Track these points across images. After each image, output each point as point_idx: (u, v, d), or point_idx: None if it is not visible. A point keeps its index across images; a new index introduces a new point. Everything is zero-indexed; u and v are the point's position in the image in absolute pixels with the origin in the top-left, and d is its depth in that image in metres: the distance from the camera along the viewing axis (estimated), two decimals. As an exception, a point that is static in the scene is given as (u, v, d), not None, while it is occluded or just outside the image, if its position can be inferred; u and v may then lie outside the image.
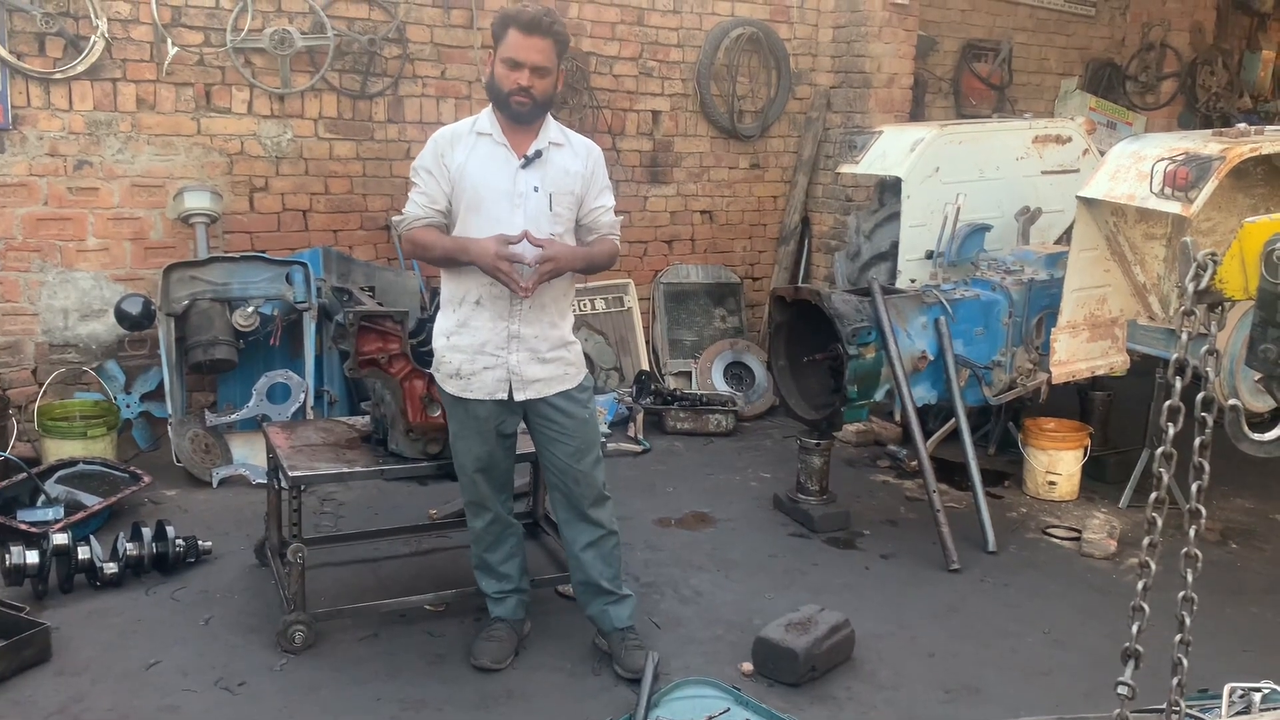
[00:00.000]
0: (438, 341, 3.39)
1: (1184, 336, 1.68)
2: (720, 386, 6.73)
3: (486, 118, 3.33)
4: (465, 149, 3.29)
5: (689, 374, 6.89)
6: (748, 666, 3.53)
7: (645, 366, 6.82)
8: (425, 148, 3.34)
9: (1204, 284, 1.66)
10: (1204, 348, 1.69)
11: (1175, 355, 1.66)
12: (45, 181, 5.19)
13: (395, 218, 3.67)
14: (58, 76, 5.11)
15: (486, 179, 3.26)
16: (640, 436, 6.02)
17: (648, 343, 6.97)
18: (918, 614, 4.02)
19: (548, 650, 3.64)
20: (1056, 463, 5.29)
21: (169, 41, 5.31)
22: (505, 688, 3.40)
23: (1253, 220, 1.67)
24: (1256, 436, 1.79)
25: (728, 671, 3.51)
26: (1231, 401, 1.76)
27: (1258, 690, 2.17)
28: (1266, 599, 4.27)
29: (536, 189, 3.27)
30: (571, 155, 3.36)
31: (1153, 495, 1.76)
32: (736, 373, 6.88)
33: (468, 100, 6.14)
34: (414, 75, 6.03)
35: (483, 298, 3.28)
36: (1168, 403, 1.70)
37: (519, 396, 3.33)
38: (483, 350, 3.30)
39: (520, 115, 3.25)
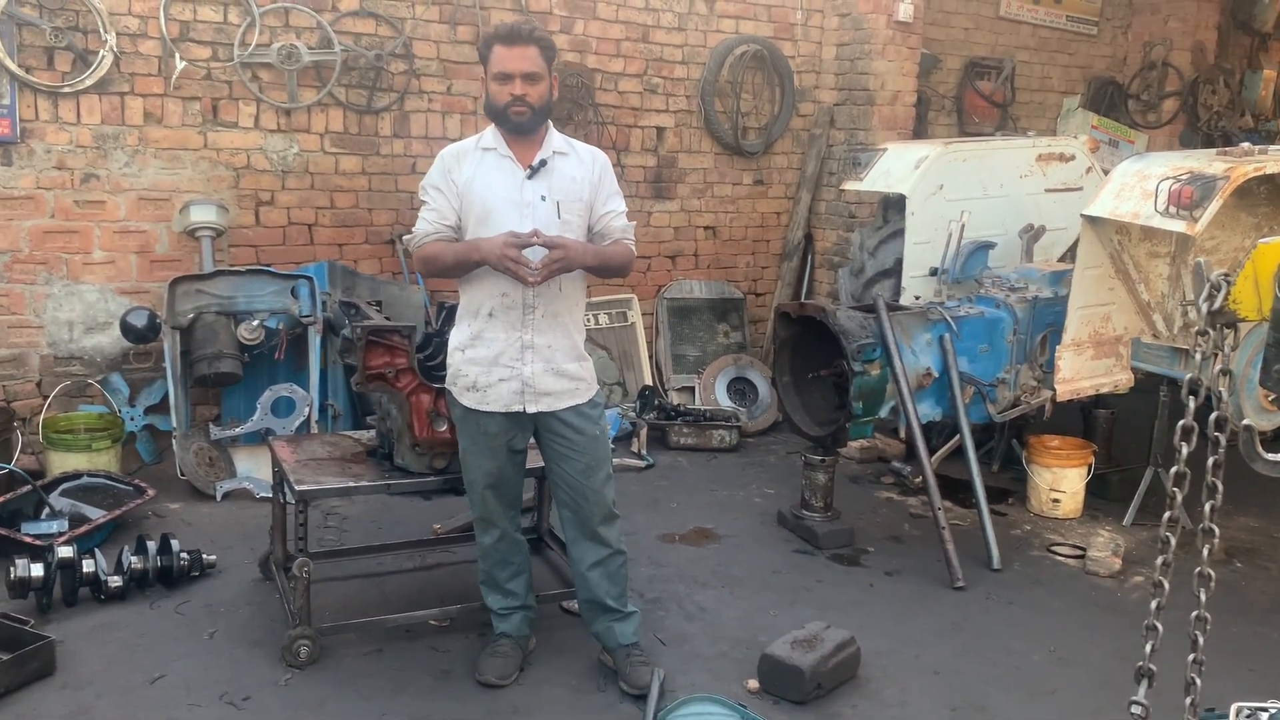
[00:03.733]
0: (453, 356, 3.39)
1: (1198, 356, 1.68)
2: (723, 402, 6.73)
3: (491, 134, 3.36)
4: (472, 164, 3.31)
5: (692, 389, 6.89)
6: (753, 684, 3.53)
7: (649, 381, 6.82)
8: (433, 166, 3.37)
9: (1218, 304, 1.66)
10: (1216, 367, 1.69)
11: (1189, 375, 1.66)
12: (52, 194, 5.20)
13: (406, 236, 3.67)
14: (66, 90, 5.13)
15: (493, 191, 3.28)
16: (643, 451, 6.01)
17: (651, 358, 6.98)
18: (923, 631, 4.01)
19: (553, 666, 3.63)
20: (1060, 480, 5.29)
21: (177, 56, 5.33)
22: (510, 704, 3.39)
23: (1266, 241, 1.67)
24: (1270, 456, 1.79)
25: (733, 689, 3.50)
26: (1245, 421, 1.77)
27: (1265, 710, 2.17)
28: (1272, 618, 4.26)
29: (544, 198, 3.28)
30: (577, 163, 3.37)
31: (1166, 514, 1.76)
32: (740, 388, 6.88)
33: (473, 116, 6.16)
34: (420, 91, 6.05)
35: (495, 309, 3.29)
36: (1181, 422, 1.70)
37: (531, 409, 3.33)
38: (498, 362, 3.30)
39: (521, 126, 3.27)
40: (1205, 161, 4.42)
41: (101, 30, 5.14)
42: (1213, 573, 1.80)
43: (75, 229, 5.28)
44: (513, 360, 3.30)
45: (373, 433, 3.99)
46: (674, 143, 7.00)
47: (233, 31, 5.46)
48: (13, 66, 4.97)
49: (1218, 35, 9.49)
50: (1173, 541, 1.76)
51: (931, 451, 4.94)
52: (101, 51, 5.16)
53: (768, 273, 7.59)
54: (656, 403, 6.47)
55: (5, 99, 5.01)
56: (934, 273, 5.60)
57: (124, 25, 5.25)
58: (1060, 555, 4.83)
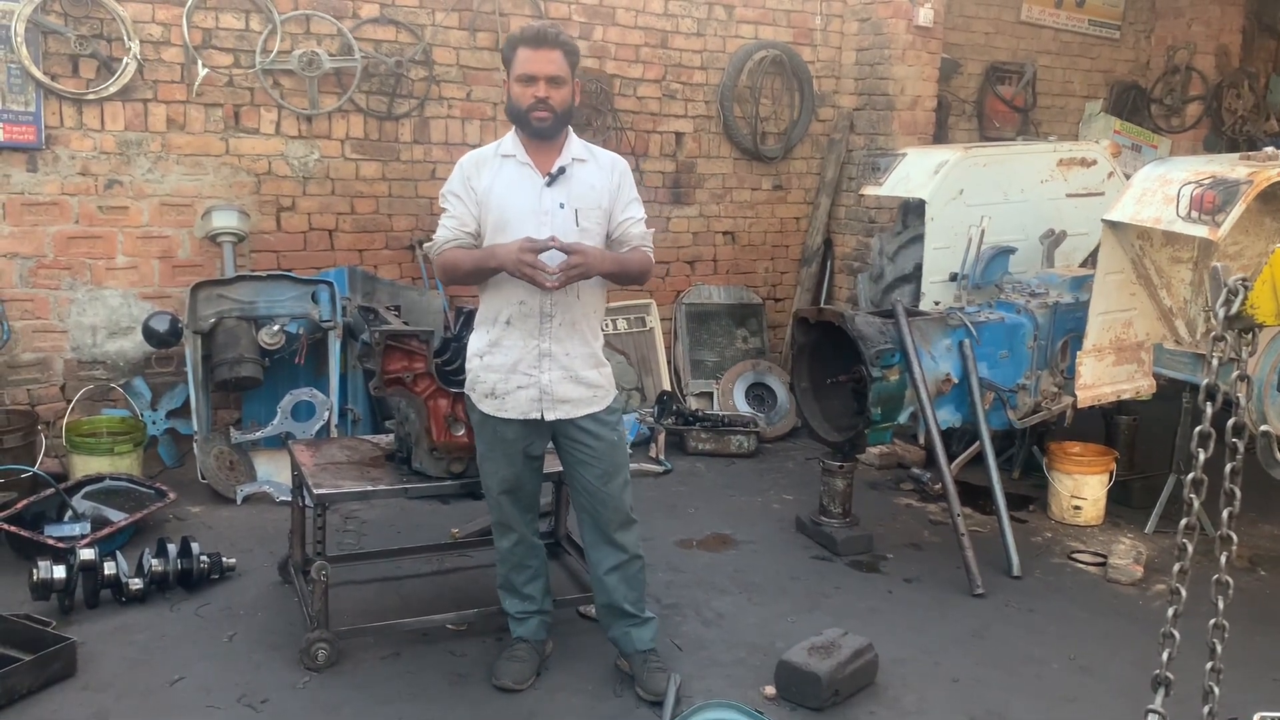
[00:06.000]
0: (471, 362, 3.40)
1: (1214, 362, 1.67)
2: (742, 407, 6.72)
3: (510, 140, 3.36)
4: (491, 172, 3.31)
5: (710, 395, 6.89)
6: (770, 690, 3.52)
7: (667, 387, 6.82)
8: (453, 173, 3.37)
9: (1235, 309, 1.65)
10: (1234, 373, 1.68)
11: (1206, 381, 1.64)
12: (76, 200, 5.26)
13: (427, 244, 3.69)
14: (90, 97, 5.19)
15: (512, 199, 3.28)
16: (662, 457, 6.01)
17: (669, 363, 6.97)
18: (941, 639, 3.99)
19: (569, 671, 3.63)
20: (1082, 487, 5.25)
21: (199, 63, 5.38)
22: (527, 708, 3.39)
23: (1284, 245, 1.66)
24: (1289, 463, 1.77)
25: (750, 695, 3.49)
26: (1263, 428, 1.75)
27: (1288, 720, 2.15)
28: (1296, 627, 4.21)
29: (562, 205, 3.28)
30: (596, 170, 3.36)
31: (1183, 521, 1.75)
32: (758, 394, 6.87)
33: (493, 121, 6.19)
34: (440, 97, 6.08)
35: (512, 317, 3.29)
36: (1198, 428, 1.68)
37: (549, 416, 3.33)
38: (515, 369, 3.30)
39: (542, 130, 3.26)
40: (1228, 166, 4.37)
41: (125, 38, 5.19)
42: (1231, 580, 1.79)
43: (99, 234, 5.34)
44: (530, 368, 3.31)
45: (391, 437, 4.00)
46: (693, 148, 7.00)
47: (254, 39, 5.51)
48: (38, 74, 5.03)
49: (1242, 39, 9.41)
50: (1190, 548, 1.75)
51: (951, 458, 4.91)
52: (125, 59, 5.21)
53: (786, 278, 7.58)
54: (675, 408, 6.47)
55: (31, 106, 5.07)
56: (954, 278, 5.57)
57: (147, 33, 5.30)
58: (1081, 563, 4.79)
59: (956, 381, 4.86)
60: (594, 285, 3.36)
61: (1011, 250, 5.57)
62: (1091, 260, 5.43)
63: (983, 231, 5.45)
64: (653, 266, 3.50)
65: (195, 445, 5.24)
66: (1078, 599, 4.41)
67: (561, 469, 3.57)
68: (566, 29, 6.23)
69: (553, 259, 3.14)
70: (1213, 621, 1.80)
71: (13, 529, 4.22)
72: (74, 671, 3.44)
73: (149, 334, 5.23)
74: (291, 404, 5.23)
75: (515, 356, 3.30)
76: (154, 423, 5.43)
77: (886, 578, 4.57)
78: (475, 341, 3.41)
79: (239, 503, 5.07)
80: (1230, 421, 1.68)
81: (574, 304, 3.31)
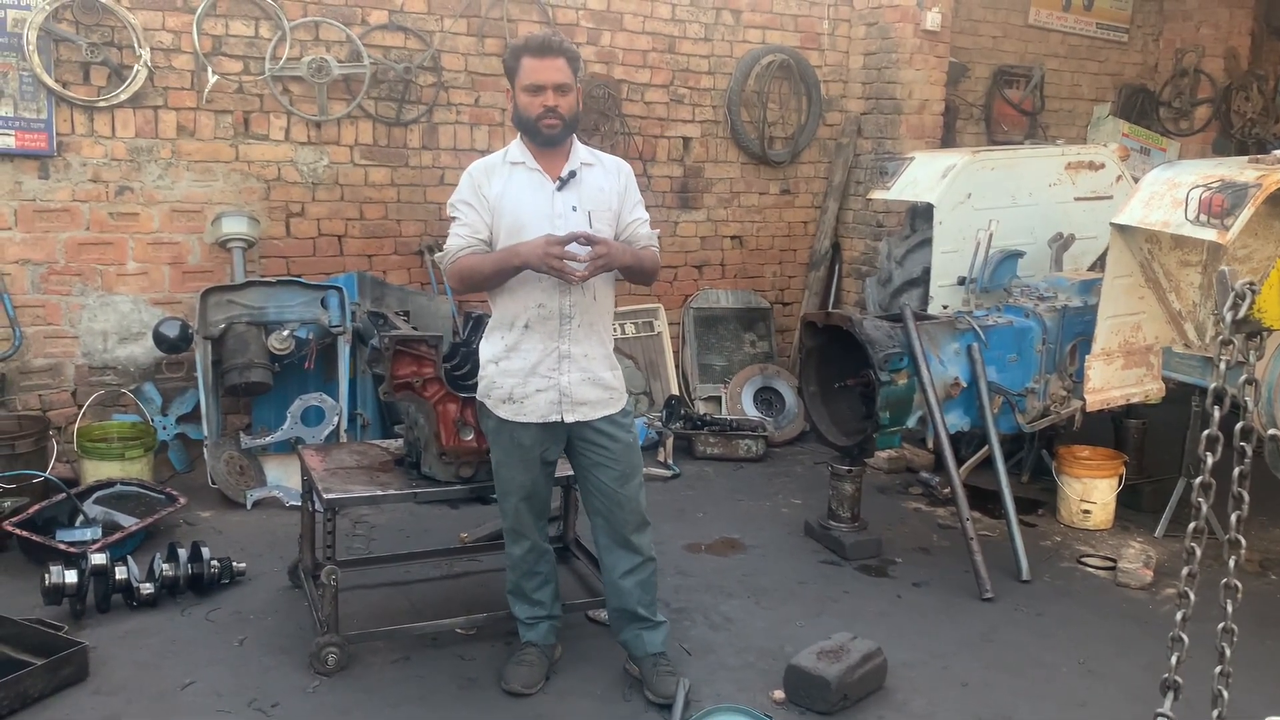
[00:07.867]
0: (486, 369, 3.40)
1: (1222, 365, 1.67)
2: (750, 412, 6.72)
3: (517, 148, 3.38)
4: (501, 179, 3.33)
5: (719, 399, 6.89)
6: (779, 694, 3.51)
7: (675, 391, 6.82)
8: (461, 183, 3.38)
9: (1242, 313, 1.65)
10: (1242, 377, 1.68)
11: (1214, 384, 1.65)
12: (87, 207, 5.29)
13: (438, 255, 3.69)
14: (101, 104, 5.22)
15: (525, 204, 3.29)
16: (670, 461, 6.02)
17: (677, 367, 6.98)
18: (950, 643, 3.98)
19: (578, 675, 3.64)
20: (1091, 491, 5.24)
21: (209, 70, 5.41)
22: (536, 713, 3.40)
23: (1292, 249, 1.66)
24: (1297, 466, 1.77)
25: (759, 699, 3.49)
26: (1271, 431, 1.75)
27: (1300, 724, 2.15)
28: (1307, 631, 4.19)
29: (575, 208, 3.30)
30: (603, 173, 3.40)
31: (1191, 525, 1.75)
32: (766, 398, 6.87)
33: (500, 127, 6.21)
34: (448, 103, 6.10)
35: (531, 320, 3.30)
36: (1206, 432, 1.69)
37: (569, 418, 3.34)
38: (534, 372, 3.31)
39: (552, 138, 3.30)
40: (1236, 169, 4.36)
41: (136, 45, 5.23)
42: (1239, 584, 1.79)
43: (110, 241, 5.37)
44: (550, 370, 3.32)
45: (400, 442, 4.02)
46: (700, 153, 7.01)
47: (264, 45, 5.53)
48: (50, 81, 5.06)
49: (1251, 41, 9.38)
50: (1198, 552, 1.75)
51: (960, 462, 4.91)
52: (136, 66, 5.24)
53: (794, 282, 7.58)
54: (683, 412, 6.47)
55: (43, 114, 5.10)
56: (962, 282, 5.57)
57: (158, 40, 5.33)
58: (1091, 567, 4.78)
59: (965, 385, 4.86)
60: (607, 286, 3.40)
61: (1020, 254, 5.56)
62: (1100, 264, 5.43)
63: (991, 235, 5.45)
64: (660, 266, 3.54)
65: (205, 450, 5.26)
66: (1087, 603, 4.40)
67: (573, 473, 3.58)
68: (574, 34, 6.35)
69: (575, 248, 3.17)
70: (1221, 625, 1.80)
71: (24, 534, 4.24)
72: (85, 676, 3.45)
73: (159, 339, 5.26)
74: (301, 409, 5.24)
75: (534, 359, 3.31)
76: (164, 428, 5.46)
77: (895, 582, 4.57)
78: (489, 348, 3.41)
79: (249, 507, 5.09)
80: (1238, 425, 1.68)
81: (591, 305, 3.33)
